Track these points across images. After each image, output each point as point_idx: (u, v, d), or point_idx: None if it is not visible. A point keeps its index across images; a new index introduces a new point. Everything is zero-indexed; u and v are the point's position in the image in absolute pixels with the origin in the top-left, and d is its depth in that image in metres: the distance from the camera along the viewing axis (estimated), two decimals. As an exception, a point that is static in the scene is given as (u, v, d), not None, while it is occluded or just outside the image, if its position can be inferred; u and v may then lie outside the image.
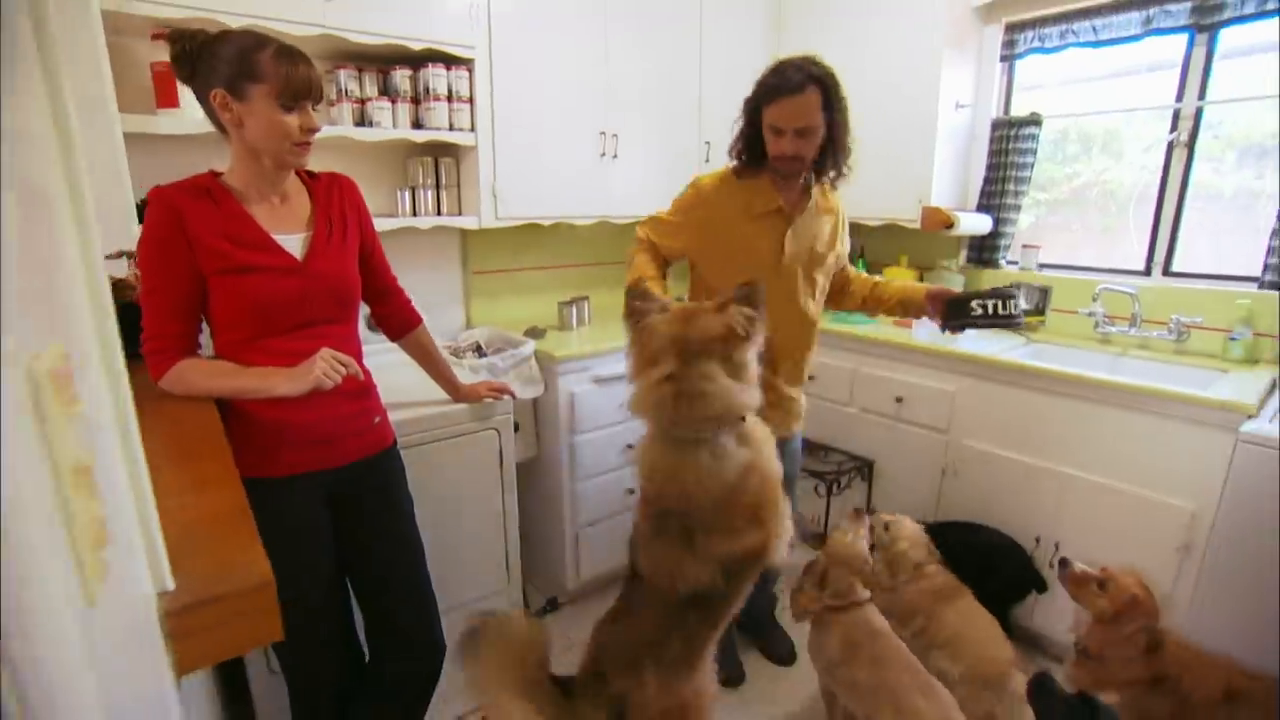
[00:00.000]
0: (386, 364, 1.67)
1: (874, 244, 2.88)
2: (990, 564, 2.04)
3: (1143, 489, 1.81)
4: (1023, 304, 1.62)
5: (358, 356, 1.32)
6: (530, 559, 2.39)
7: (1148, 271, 2.29)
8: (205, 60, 1.12)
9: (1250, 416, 1.62)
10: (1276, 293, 1.98)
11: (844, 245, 1.76)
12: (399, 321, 1.53)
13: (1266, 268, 2.00)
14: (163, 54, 1.66)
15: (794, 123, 1.51)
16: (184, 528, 0.72)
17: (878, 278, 1.84)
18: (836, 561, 1.67)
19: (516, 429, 2.12)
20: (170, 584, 0.59)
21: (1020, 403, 2.04)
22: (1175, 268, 2.24)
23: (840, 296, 1.83)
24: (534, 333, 2.35)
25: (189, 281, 1.15)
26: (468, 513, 1.80)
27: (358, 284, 1.35)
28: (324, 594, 1.31)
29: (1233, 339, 2.04)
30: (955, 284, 2.65)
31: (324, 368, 1.17)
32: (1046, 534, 2.02)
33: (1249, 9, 1.93)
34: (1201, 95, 2.10)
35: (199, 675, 1.23)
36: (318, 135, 1.22)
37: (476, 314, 2.55)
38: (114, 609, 0.41)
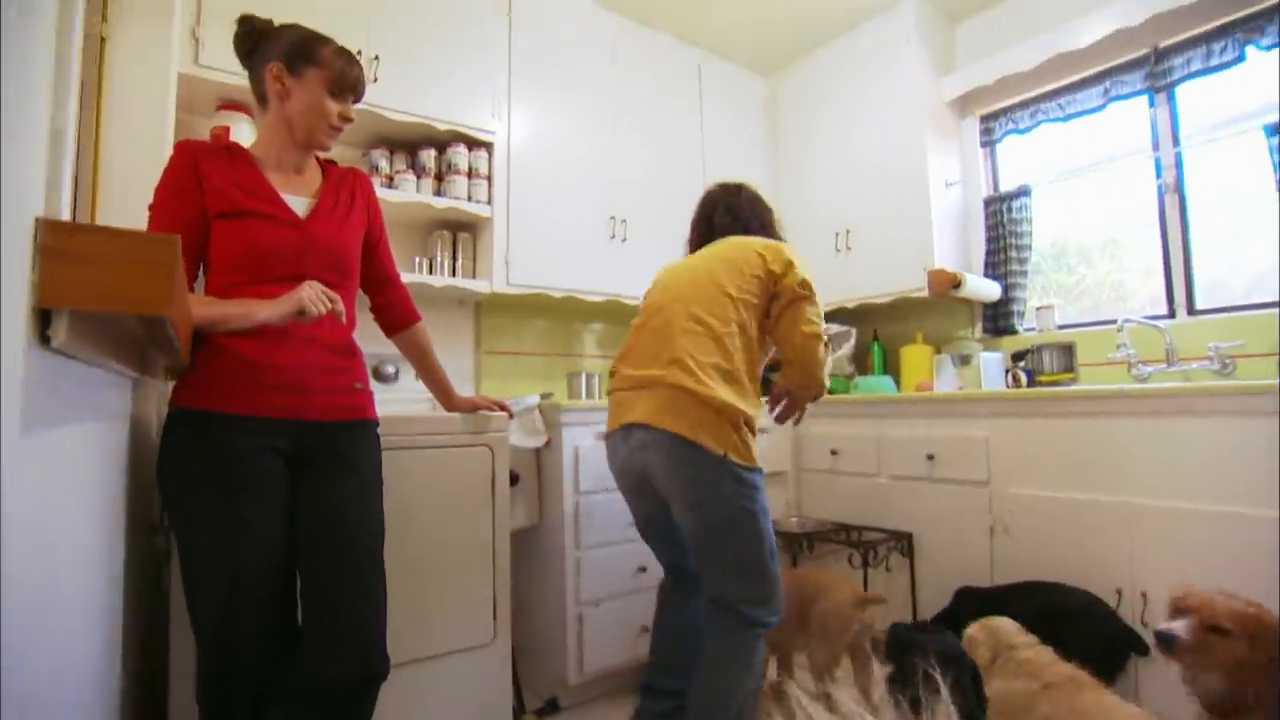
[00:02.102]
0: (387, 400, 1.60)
1: (886, 324, 2.87)
2: (1071, 630, 1.69)
3: (1232, 505, 1.56)
4: None
5: (349, 325, 1.31)
6: (527, 653, 2.09)
7: (1171, 314, 2.22)
8: (270, 39, 1.27)
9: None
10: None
11: None
12: (397, 314, 1.53)
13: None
14: (223, 121, 1.94)
15: None
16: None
17: None
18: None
19: (515, 481, 1.98)
20: (66, 213, 0.54)
21: (1062, 434, 1.86)
22: (1200, 305, 2.17)
23: None
24: (543, 395, 2.30)
25: (195, 223, 1.20)
26: (452, 541, 1.61)
27: (356, 256, 1.38)
28: (262, 556, 1.14)
29: (1286, 362, 1.89)
30: (975, 353, 2.58)
31: (310, 294, 1.15)
32: (1128, 582, 1.70)
33: (1195, 66, 2.11)
34: (1175, 145, 2.21)
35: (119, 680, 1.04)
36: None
37: (487, 392, 2.53)
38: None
